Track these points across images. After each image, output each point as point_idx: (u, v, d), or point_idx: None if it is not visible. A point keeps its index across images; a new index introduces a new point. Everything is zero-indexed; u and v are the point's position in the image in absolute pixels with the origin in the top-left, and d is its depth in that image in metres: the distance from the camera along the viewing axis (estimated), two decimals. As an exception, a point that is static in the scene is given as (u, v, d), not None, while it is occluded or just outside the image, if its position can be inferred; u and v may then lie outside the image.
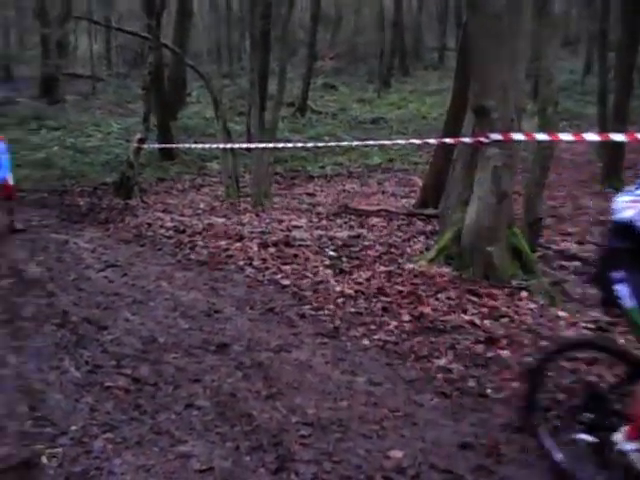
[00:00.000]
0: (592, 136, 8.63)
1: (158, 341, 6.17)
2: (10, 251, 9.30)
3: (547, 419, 4.42)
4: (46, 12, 31.21)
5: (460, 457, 4.25)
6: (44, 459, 4.44)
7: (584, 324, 6.40)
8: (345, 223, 10.94)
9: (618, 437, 3.71)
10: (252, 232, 9.65)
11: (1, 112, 25.60)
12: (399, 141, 12.03)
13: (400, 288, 7.32)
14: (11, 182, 10.77)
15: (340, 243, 9.46)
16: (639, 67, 18.84)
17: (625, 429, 3.69)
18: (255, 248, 8.95)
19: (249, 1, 14.56)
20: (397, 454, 4.31)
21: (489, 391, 5.10)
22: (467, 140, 7.92)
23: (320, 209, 12.17)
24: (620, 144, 14.46)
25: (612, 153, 15.31)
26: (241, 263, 8.34)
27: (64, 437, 4.68)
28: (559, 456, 4.06)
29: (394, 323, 6.45)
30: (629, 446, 3.65)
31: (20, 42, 55.16)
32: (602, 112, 17.44)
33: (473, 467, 4.12)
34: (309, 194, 14.03)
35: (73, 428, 4.79)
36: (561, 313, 6.57)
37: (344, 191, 14.32)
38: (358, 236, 9.99)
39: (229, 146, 12.65)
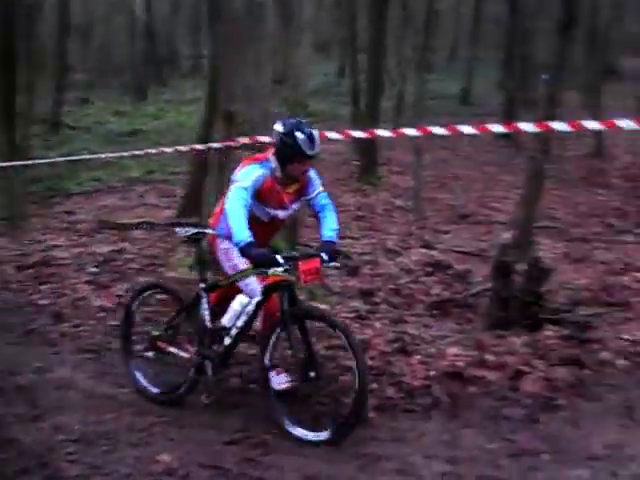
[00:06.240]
0: (358, 134, 8.77)
1: None
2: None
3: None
4: None
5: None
6: None
7: (345, 314, 6.72)
8: (106, 238, 10.73)
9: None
10: (8, 255, 9.27)
11: None
12: (150, 150, 11.84)
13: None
14: None
15: (101, 259, 9.27)
16: (388, 69, 19.86)
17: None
18: (11, 271, 8.61)
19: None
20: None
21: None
22: (216, 145, 7.86)
23: (79, 226, 11.87)
24: (374, 143, 15.27)
25: (367, 152, 16.13)
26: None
27: None
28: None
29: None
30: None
31: None
32: (355, 112, 18.26)
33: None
34: (68, 212, 13.57)
35: None
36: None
37: (105, 206, 13.99)
38: (120, 250, 9.79)
39: None
